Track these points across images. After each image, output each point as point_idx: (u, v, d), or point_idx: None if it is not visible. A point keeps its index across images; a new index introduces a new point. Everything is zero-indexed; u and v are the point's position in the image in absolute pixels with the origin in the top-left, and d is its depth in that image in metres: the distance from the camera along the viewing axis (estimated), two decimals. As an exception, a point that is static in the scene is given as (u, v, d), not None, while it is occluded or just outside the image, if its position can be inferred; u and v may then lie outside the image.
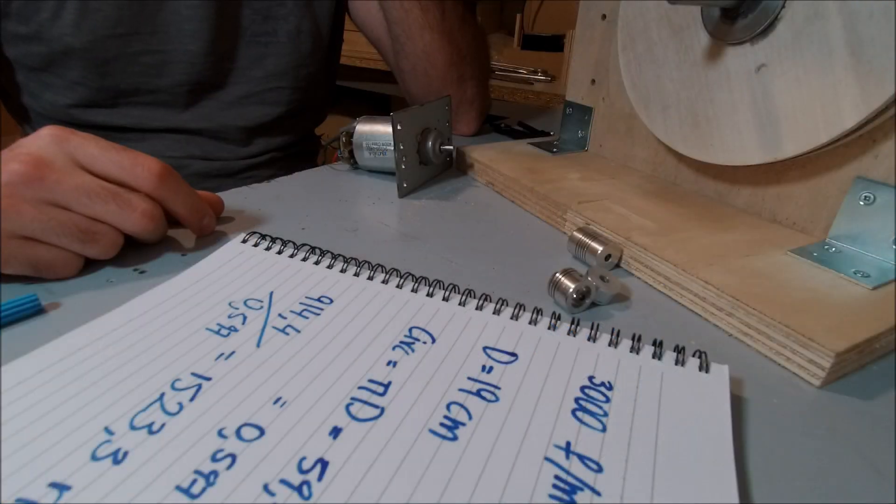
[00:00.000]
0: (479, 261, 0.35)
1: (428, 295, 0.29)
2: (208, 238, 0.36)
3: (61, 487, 0.18)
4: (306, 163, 0.70)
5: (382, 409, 0.22)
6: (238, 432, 0.20)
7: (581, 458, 0.20)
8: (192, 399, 0.22)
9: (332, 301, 0.29)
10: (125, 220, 0.30)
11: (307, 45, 0.60)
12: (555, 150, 0.52)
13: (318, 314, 0.28)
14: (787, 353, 0.26)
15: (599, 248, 0.33)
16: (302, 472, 0.19)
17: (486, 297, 0.29)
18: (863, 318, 0.26)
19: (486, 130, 0.66)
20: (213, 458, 0.19)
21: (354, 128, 0.48)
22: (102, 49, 0.50)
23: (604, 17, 0.46)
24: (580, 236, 0.34)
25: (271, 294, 0.29)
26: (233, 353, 0.25)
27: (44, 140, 0.28)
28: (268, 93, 0.59)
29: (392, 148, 0.43)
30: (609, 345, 0.26)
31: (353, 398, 0.22)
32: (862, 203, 0.31)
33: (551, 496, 0.18)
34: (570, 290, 0.29)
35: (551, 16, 1.56)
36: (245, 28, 0.56)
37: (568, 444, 0.20)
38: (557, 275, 0.30)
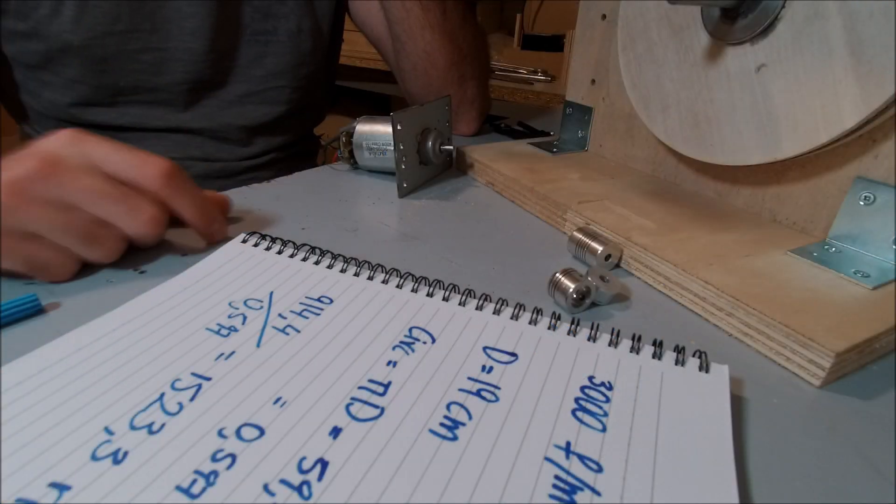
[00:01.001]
0: (479, 261, 0.35)
1: (428, 295, 0.29)
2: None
3: (61, 487, 0.18)
4: (306, 163, 0.70)
5: (382, 409, 0.22)
6: (238, 432, 0.20)
7: (581, 458, 0.20)
8: (192, 399, 0.22)
9: (332, 301, 0.29)
10: (132, 222, 0.30)
11: (308, 44, 0.60)
12: (555, 150, 0.52)
13: (318, 314, 0.28)
14: (787, 353, 0.26)
15: (599, 248, 0.33)
16: (302, 472, 0.19)
17: (486, 297, 0.29)
18: (863, 318, 0.26)
19: (486, 130, 0.66)
20: (213, 458, 0.19)
21: (354, 128, 0.48)
22: (101, 46, 0.50)
23: (604, 17, 0.46)
24: (580, 236, 0.34)
25: (271, 294, 0.29)
26: (233, 353, 0.25)
27: (61, 140, 0.29)
28: (268, 92, 0.59)
29: (392, 148, 0.43)
30: (609, 345, 0.26)
31: (353, 398, 0.22)
32: (862, 203, 0.31)
33: (551, 496, 0.18)
34: (570, 290, 0.29)
35: (551, 16, 1.56)
36: (245, 26, 0.56)
37: (568, 444, 0.20)
38: (557, 275, 0.30)
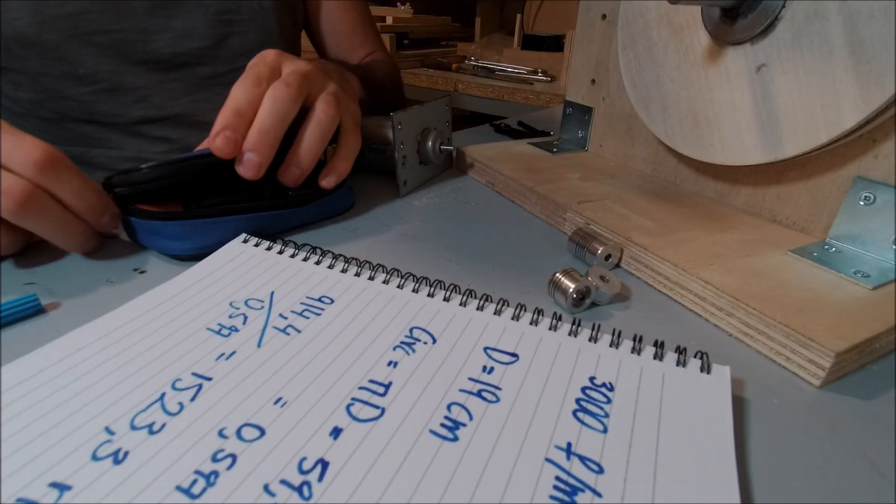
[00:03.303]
0: (479, 261, 0.35)
1: (429, 295, 0.29)
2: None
3: (62, 487, 0.18)
4: None
5: (383, 410, 0.22)
6: (238, 432, 0.20)
7: (582, 459, 0.20)
8: (192, 399, 0.22)
9: (332, 301, 0.29)
10: None
11: (272, 22, 0.60)
12: (555, 150, 0.52)
13: (319, 314, 0.28)
14: (788, 353, 0.26)
15: (599, 248, 0.33)
16: (302, 472, 0.19)
17: (487, 298, 0.29)
18: (863, 318, 0.26)
19: (487, 130, 0.66)
20: (214, 459, 0.19)
21: (354, 128, 0.47)
22: (53, 30, 0.49)
23: (604, 17, 0.46)
24: (580, 236, 0.35)
25: (272, 294, 0.29)
26: (233, 353, 0.25)
27: None
28: (235, 73, 0.59)
29: (392, 148, 0.43)
30: (610, 345, 0.26)
31: (353, 398, 0.22)
32: (862, 203, 0.31)
33: (552, 497, 0.18)
34: (570, 290, 0.29)
35: (551, 16, 1.56)
36: (207, 6, 0.56)
37: (569, 444, 0.20)
38: (557, 275, 0.30)
